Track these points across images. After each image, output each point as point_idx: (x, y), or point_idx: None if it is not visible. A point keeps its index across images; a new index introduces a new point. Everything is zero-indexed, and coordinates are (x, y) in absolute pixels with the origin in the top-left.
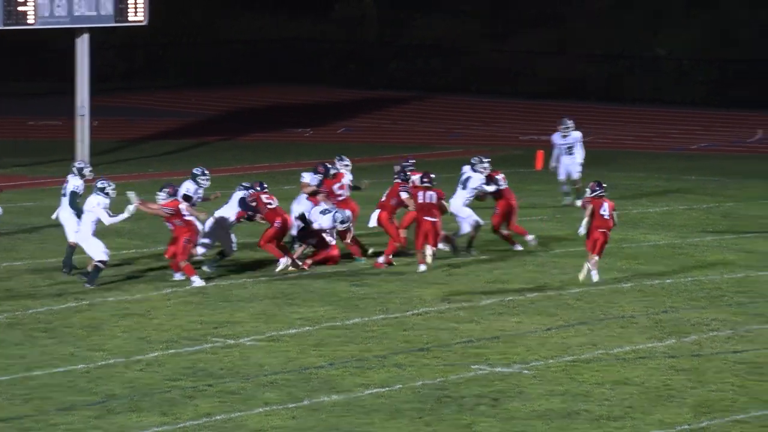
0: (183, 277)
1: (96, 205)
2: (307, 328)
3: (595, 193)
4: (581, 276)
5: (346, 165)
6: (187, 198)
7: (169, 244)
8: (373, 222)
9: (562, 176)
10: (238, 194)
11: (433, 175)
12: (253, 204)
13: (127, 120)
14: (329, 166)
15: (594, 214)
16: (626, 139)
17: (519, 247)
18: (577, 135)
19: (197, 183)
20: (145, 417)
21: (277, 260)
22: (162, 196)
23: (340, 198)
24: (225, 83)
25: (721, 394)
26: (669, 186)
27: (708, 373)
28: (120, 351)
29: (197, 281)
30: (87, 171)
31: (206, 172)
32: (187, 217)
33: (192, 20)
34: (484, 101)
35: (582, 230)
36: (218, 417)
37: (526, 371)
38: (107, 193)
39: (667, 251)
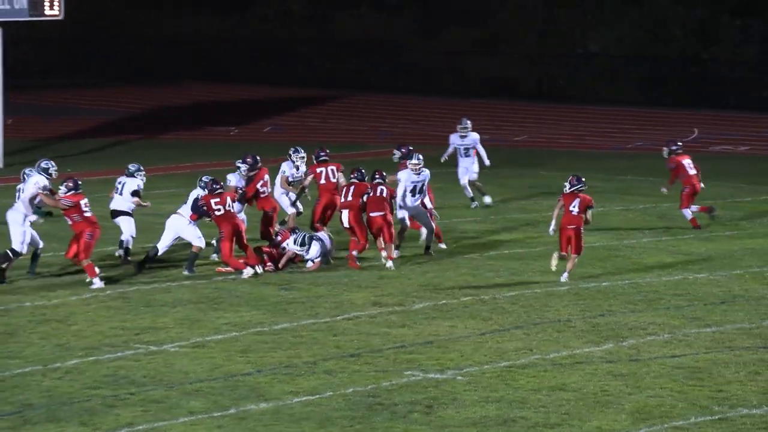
0: (98, 286)
1: (34, 185)
2: (234, 333)
3: (573, 188)
4: (552, 264)
5: (302, 157)
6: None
7: (71, 242)
8: (345, 222)
9: (462, 180)
10: (196, 192)
11: (384, 173)
12: (204, 208)
13: (42, 118)
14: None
15: (564, 211)
16: (561, 139)
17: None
18: (475, 136)
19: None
20: (63, 427)
21: (240, 272)
22: (62, 190)
23: (263, 195)
24: (146, 80)
25: (660, 399)
26: (606, 186)
27: (646, 379)
28: (37, 358)
29: (97, 283)
30: (53, 170)
31: (141, 168)
32: (87, 213)
33: (113, 16)
34: (414, 99)
35: (551, 230)
36: (140, 427)
37: (460, 377)
38: (50, 174)
39: (604, 253)
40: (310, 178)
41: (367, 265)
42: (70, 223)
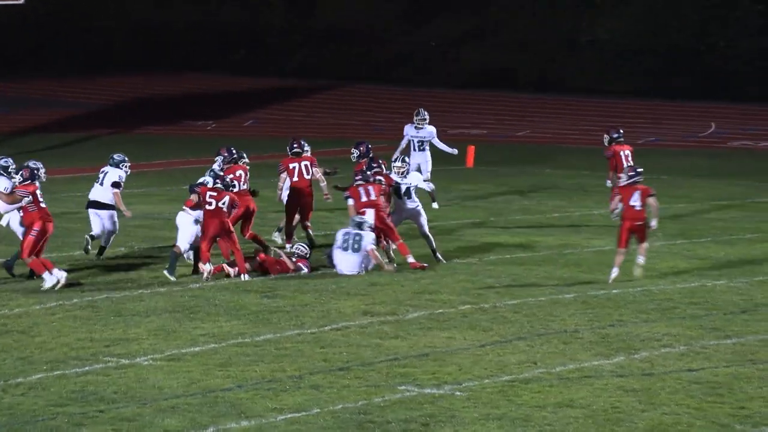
0: (51, 284)
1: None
2: (212, 345)
3: (630, 180)
4: (636, 273)
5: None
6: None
7: (24, 238)
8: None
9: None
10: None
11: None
12: (197, 194)
13: (2, 111)
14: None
15: (624, 205)
16: (565, 134)
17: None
18: (431, 129)
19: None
20: None
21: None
22: (17, 180)
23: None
24: (116, 71)
25: (676, 417)
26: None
27: (660, 394)
28: None
29: (50, 277)
30: (12, 168)
31: (126, 159)
32: (42, 204)
33: (79, 3)
34: (406, 91)
35: (614, 215)
36: None
37: (458, 393)
38: (10, 173)
39: (613, 258)
40: (283, 175)
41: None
42: (21, 213)
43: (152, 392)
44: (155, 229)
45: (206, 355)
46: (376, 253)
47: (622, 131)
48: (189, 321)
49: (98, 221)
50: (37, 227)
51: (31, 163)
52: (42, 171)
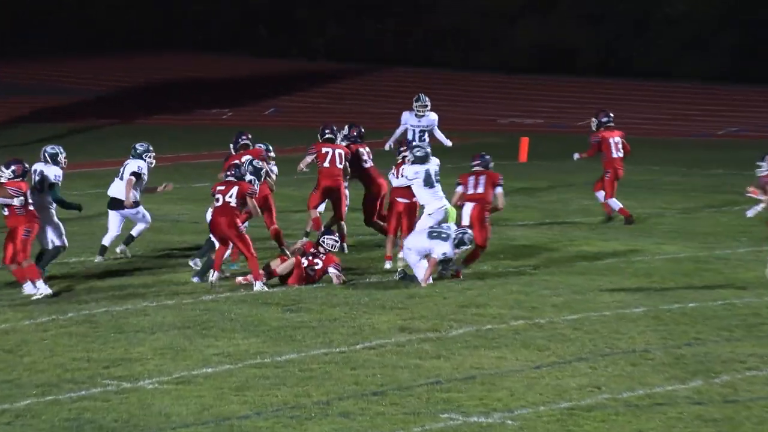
0: (36, 291)
1: None
2: (227, 366)
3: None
4: None
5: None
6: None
7: (6, 243)
8: (466, 219)
9: None
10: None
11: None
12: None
13: None
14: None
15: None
16: (633, 123)
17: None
18: (433, 117)
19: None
20: None
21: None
22: (6, 175)
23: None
24: (117, 51)
25: None
26: (690, 182)
27: (745, 425)
28: None
29: (42, 289)
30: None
31: (150, 148)
32: (30, 205)
33: None
34: (452, 75)
35: (750, 213)
36: None
37: (510, 421)
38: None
39: (689, 267)
40: (311, 157)
41: (392, 280)
42: (6, 214)
43: (158, 420)
44: (162, 233)
45: (220, 378)
46: (433, 266)
47: (612, 115)
48: (201, 338)
49: (117, 222)
50: (27, 227)
51: (49, 149)
52: (63, 156)
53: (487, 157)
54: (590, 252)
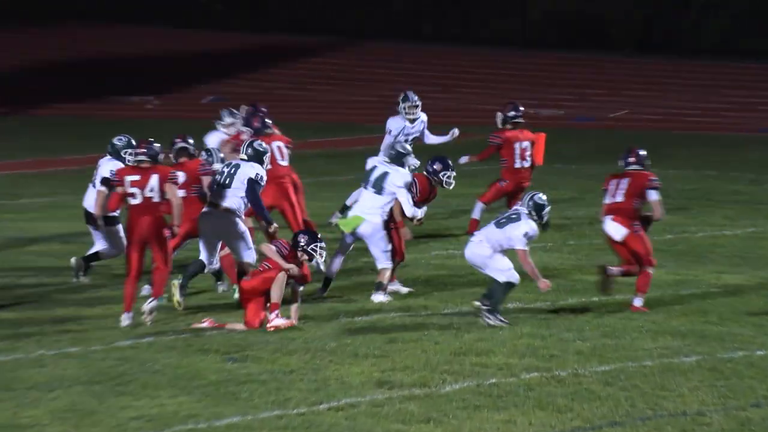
0: None
1: None
2: None
3: None
4: None
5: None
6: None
7: None
8: (617, 235)
9: None
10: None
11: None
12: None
13: None
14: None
15: None
16: (683, 113)
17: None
18: (424, 118)
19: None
20: None
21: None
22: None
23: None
24: (4, 23)
25: None
26: (758, 192)
27: None
28: None
29: None
30: None
31: (133, 143)
32: None
33: None
34: (445, 50)
35: None
36: None
37: None
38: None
39: (757, 303)
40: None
41: (365, 321)
42: None
43: None
44: (63, 257)
45: None
46: (530, 261)
47: (522, 109)
48: (115, 397)
49: (99, 236)
50: None
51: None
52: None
53: (643, 153)
54: (627, 282)
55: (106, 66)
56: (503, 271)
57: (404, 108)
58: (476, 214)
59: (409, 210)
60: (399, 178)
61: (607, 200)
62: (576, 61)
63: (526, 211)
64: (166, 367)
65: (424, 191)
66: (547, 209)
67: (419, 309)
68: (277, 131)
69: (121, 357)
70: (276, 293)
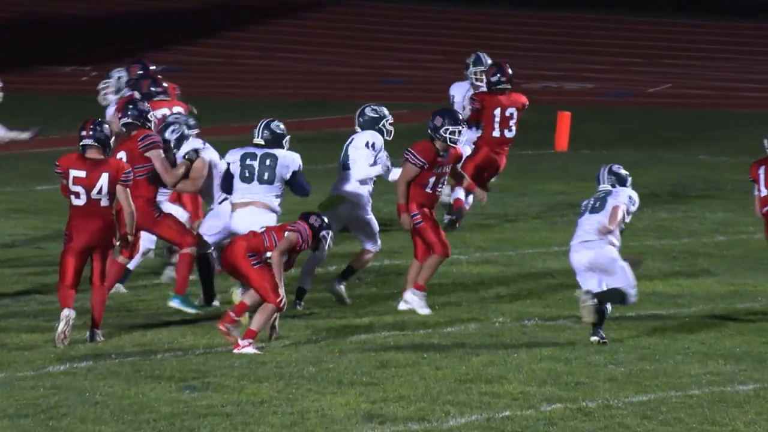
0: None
1: None
2: None
3: None
4: None
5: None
6: None
7: None
8: None
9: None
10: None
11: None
12: None
13: None
14: None
15: None
16: (739, 86)
17: None
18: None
19: None
20: None
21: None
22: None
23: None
24: None
25: None
26: None
27: None
28: None
29: None
30: None
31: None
32: None
33: None
34: (438, 11)
35: None
36: None
37: None
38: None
39: None
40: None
41: (351, 341)
42: None
43: None
44: None
45: None
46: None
47: (510, 72)
48: None
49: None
50: None
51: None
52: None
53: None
54: (669, 294)
55: (31, 29)
56: (631, 284)
57: (475, 72)
58: (458, 194)
59: (364, 171)
60: (361, 139)
61: (763, 191)
62: (607, 22)
63: (610, 186)
64: (109, 397)
65: (427, 155)
66: (630, 179)
67: (416, 326)
68: (174, 98)
69: (54, 385)
70: (258, 321)
